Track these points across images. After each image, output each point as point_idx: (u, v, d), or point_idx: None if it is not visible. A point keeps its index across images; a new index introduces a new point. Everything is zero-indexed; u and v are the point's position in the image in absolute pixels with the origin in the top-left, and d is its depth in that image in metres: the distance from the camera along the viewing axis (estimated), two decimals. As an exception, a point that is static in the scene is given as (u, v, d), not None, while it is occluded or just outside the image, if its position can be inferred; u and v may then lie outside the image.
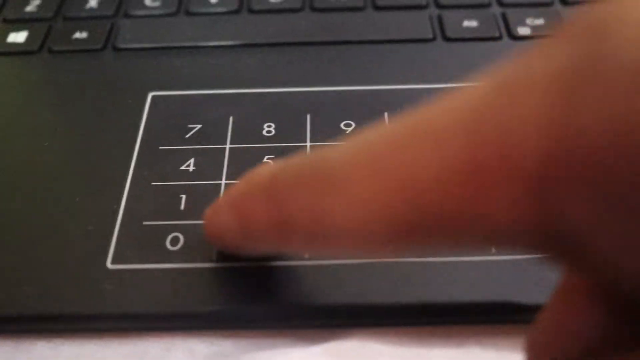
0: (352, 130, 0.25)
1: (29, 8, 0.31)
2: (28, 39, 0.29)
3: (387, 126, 0.13)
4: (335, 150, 0.14)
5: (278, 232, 0.16)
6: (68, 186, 0.23)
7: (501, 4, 0.30)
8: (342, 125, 0.25)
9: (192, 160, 0.24)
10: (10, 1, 0.31)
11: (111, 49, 0.29)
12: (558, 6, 0.30)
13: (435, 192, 0.12)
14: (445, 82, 0.26)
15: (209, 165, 0.24)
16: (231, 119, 0.25)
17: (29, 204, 0.23)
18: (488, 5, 0.30)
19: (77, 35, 0.29)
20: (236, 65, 0.27)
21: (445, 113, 0.12)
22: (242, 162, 0.24)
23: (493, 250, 0.20)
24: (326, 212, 0.14)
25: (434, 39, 0.28)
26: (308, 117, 0.25)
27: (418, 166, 0.12)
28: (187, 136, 0.25)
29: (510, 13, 0.29)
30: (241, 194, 0.17)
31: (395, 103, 0.25)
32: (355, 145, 0.14)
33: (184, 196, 0.23)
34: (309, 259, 0.21)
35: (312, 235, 0.15)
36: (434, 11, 0.30)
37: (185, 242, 0.21)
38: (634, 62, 0.09)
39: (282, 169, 0.16)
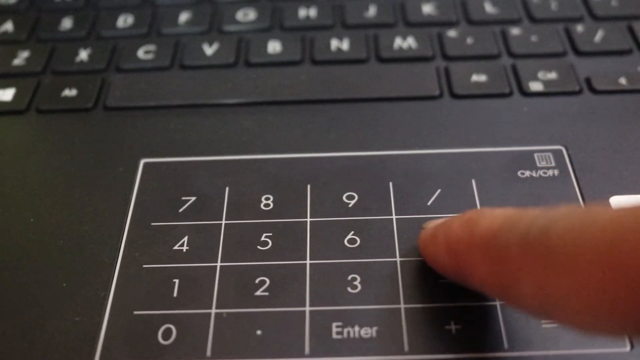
0: (354, 203, 0.23)
1: (17, 61, 0.29)
2: (15, 96, 0.28)
3: (609, 212, 0.14)
4: (558, 223, 0.15)
5: (498, 292, 0.17)
6: (55, 270, 0.22)
7: (511, 55, 0.29)
8: (344, 197, 0.23)
9: (185, 239, 0.22)
10: (-2, 53, 0.30)
11: (102, 108, 0.27)
12: (571, 57, 0.28)
13: None
14: (453, 146, 0.25)
15: (204, 244, 0.22)
16: (227, 189, 0.24)
17: (10, 292, 0.21)
18: (498, 56, 0.29)
19: (67, 92, 0.28)
20: (233, 127, 0.26)
21: None
22: (238, 242, 0.22)
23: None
24: (552, 293, 0.15)
25: (441, 95, 0.27)
26: (309, 187, 0.24)
27: None
28: (180, 210, 0.23)
29: (521, 65, 0.28)
30: (459, 241, 0.18)
31: (401, 171, 0.24)
32: (580, 223, 0.14)
33: (177, 281, 0.21)
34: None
35: (534, 307, 0.16)
36: (440, 63, 0.28)
37: (178, 335, 0.20)
38: None
39: (503, 229, 0.16)
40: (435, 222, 0.21)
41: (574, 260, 0.14)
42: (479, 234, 0.17)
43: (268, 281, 0.21)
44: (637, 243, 0.13)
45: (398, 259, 0.22)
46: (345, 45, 0.29)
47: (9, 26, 0.31)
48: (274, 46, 0.29)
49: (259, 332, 0.20)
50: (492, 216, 0.17)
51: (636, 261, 0.13)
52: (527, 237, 0.15)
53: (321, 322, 0.20)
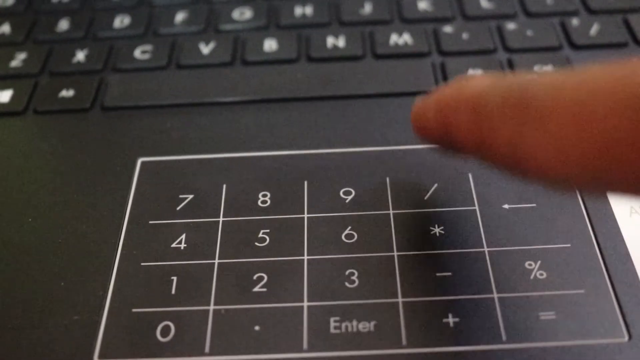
0: (351, 199, 0.23)
1: (14, 63, 0.30)
2: (13, 98, 0.28)
3: (587, 75, 0.15)
4: (538, 83, 0.16)
5: (477, 146, 0.17)
6: (53, 269, 0.22)
7: (507, 49, 0.29)
8: (341, 193, 0.23)
9: (183, 237, 0.23)
10: (-5, 55, 0.30)
11: (99, 109, 0.27)
12: (567, 50, 0.28)
13: (634, 150, 0.13)
14: (450, 141, 0.25)
15: (202, 242, 0.22)
16: (224, 187, 0.24)
17: (9, 291, 0.21)
18: (494, 50, 0.29)
19: (64, 93, 0.28)
20: (230, 125, 0.26)
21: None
22: (236, 239, 0.22)
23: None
24: (524, 144, 0.15)
25: (437, 91, 0.27)
26: (305, 184, 0.24)
27: (617, 125, 0.14)
28: (178, 208, 0.23)
29: (517, 59, 0.28)
30: (448, 102, 0.18)
31: (397, 167, 0.24)
32: (558, 84, 0.15)
33: (175, 278, 0.21)
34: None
35: (508, 161, 0.16)
36: (436, 58, 0.28)
37: (176, 332, 0.20)
38: None
39: (489, 87, 0.17)
40: None
41: (546, 118, 0.15)
42: (467, 93, 0.18)
43: (266, 277, 0.21)
44: (604, 109, 0.14)
45: (395, 253, 0.22)
46: (341, 42, 0.29)
47: (6, 28, 0.31)
48: (270, 44, 0.29)
49: (257, 328, 0.20)
50: (481, 79, 0.18)
51: (602, 125, 0.14)
52: (507, 95, 0.16)
53: (319, 317, 0.20)
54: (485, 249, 0.22)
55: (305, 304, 0.21)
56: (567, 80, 0.15)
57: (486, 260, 0.21)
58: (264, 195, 0.24)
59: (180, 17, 0.31)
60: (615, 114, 0.14)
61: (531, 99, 0.15)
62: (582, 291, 0.21)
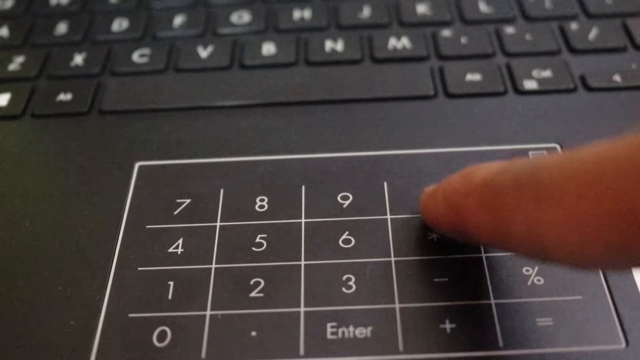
0: (349, 204, 0.23)
1: (12, 67, 0.29)
2: (11, 101, 0.28)
3: (595, 147, 0.14)
4: (548, 162, 0.15)
5: (493, 235, 0.17)
6: (50, 273, 0.22)
7: (506, 53, 0.29)
8: (339, 197, 0.23)
9: (180, 241, 0.22)
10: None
11: (96, 112, 0.27)
12: (566, 55, 0.28)
13: None
14: (449, 146, 0.25)
15: (199, 246, 0.22)
16: (222, 191, 0.24)
17: (5, 296, 0.21)
18: (492, 55, 0.29)
19: (62, 96, 0.28)
20: (228, 129, 0.26)
21: None
22: (233, 244, 0.22)
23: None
24: (541, 224, 0.15)
25: (435, 95, 0.27)
26: (303, 189, 0.24)
27: (631, 189, 0.13)
28: (175, 213, 0.23)
29: (515, 64, 0.28)
30: (457, 192, 0.18)
31: (395, 171, 0.24)
32: (567, 160, 0.15)
33: (171, 283, 0.21)
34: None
35: (527, 244, 0.16)
36: (435, 63, 0.28)
37: (173, 337, 0.20)
38: None
39: (497, 174, 0.17)
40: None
41: (560, 194, 0.15)
42: (475, 182, 0.18)
43: (263, 282, 0.21)
44: (616, 175, 0.13)
45: (393, 259, 0.22)
46: (339, 46, 0.29)
47: (4, 31, 0.31)
48: (268, 48, 0.29)
49: (253, 333, 0.20)
50: (488, 166, 0.18)
51: (615, 191, 0.13)
52: (518, 178, 0.16)
53: (316, 323, 0.20)
54: (483, 255, 0.22)
55: (302, 309, 0.20)
56: (576, 155, 0.15)
57: (483, 266, 0.21)
58: (262, 200, 0.23)
59: (178, 20, 0.31)
60: (628, 177, 0.13)
61: (543, 177, 0.15)
62: (579, 297, 0.20)
